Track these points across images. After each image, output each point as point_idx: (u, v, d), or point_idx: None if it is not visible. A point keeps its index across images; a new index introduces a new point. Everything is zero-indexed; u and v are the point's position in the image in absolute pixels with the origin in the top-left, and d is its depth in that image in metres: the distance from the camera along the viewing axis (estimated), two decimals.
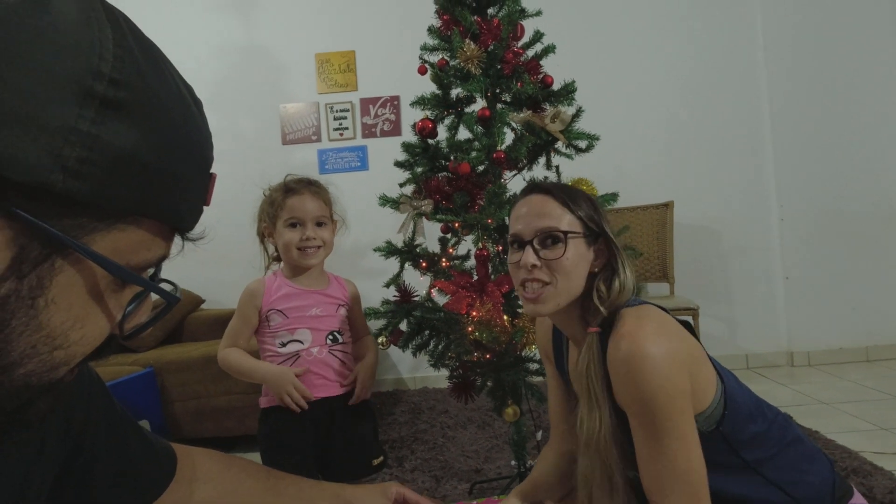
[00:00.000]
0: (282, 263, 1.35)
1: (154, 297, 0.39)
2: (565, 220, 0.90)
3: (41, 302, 0.31)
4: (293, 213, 1.26)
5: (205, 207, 0.42)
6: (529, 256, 0.89)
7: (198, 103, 0.39)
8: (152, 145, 0.33)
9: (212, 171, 0.41)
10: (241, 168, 3.19)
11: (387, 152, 2.90)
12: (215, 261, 3.15)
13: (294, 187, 1.29)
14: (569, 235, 0.89)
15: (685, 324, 0.90)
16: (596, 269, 0.92)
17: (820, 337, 2.95)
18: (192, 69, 3.17)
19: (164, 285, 0.39)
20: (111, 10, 0.33)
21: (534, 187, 0.96)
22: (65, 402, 0.49)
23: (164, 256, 0.38)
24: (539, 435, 1.69)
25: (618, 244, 0.92)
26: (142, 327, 0.40)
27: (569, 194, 0.92)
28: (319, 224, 1.28)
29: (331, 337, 1.29)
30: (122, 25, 0.33)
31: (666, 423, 0.78)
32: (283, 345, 1.26)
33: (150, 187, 0.34)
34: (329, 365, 1.27)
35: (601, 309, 0.88)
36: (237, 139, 3.21)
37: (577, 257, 0.89)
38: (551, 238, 0.89)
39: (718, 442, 0.86)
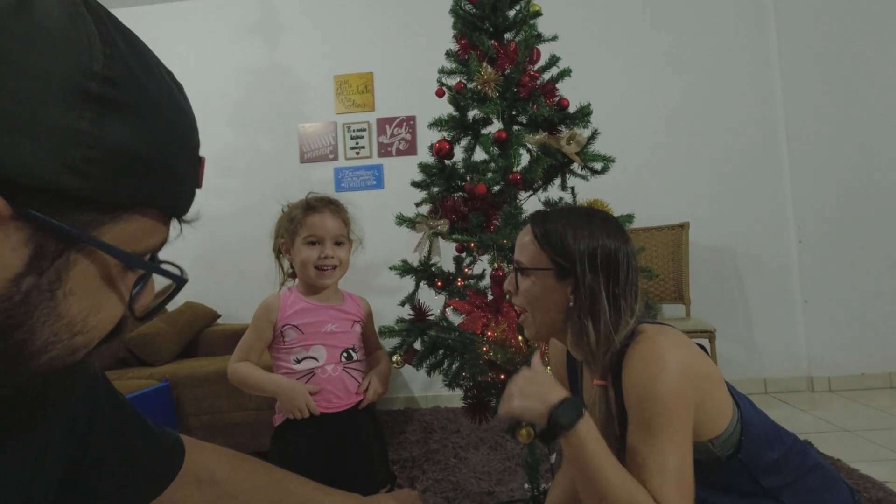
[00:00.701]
0: (297, 280, 1.35)
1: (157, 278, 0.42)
2: (528, 254, 0.92)
3: (60, 294, 0.33)
4: (313, 230, 1.26)
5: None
6: (507, 281, 0.97)
7: (180, 88, 0.40)
8: (149, 140, 0.35)
9: (201, 154, 0.43)
10: (260, 185, 3.25)
11: (402, 171, 2.95)
12: (232, 276, 3.20)
13: (315, 205, 1.30)
14: (527, 271, 0.92)
15: (700, 347, 0.91)
16: (571, 304, 0.89)
17: (841, 361, 2.89)
18: (217, 89, 3.27)
19: (170, 268, 0.41)
20: (92, 4, 0.34)
21: (531, 216, 0.99)
22: (70, 404, 0.50)
23: (165, 240, 0.41)
24: (553, 458, 1.67)
25: (602, 283, 0.86)
26: (154, 309, 0.43)
27: (547, 227, 0.91)
28: (338, 243, 1.29)
29: (345, 354, 1.29)
30: (105, 20, 0.34)
31: (665, 424, 0.77)
32: (298, 361, 1.26)
33: (150, 180, 0.36)
34: (343, 383, 1.27)
35: (591, 353, 0.87)
36: (256, 157, 3.27)
37: (537, 291, 0.91)
38: (517, 268, 0.95)
39: (736, 468, 0.85)
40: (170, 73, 0.40)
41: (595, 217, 0.93)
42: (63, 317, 0.34)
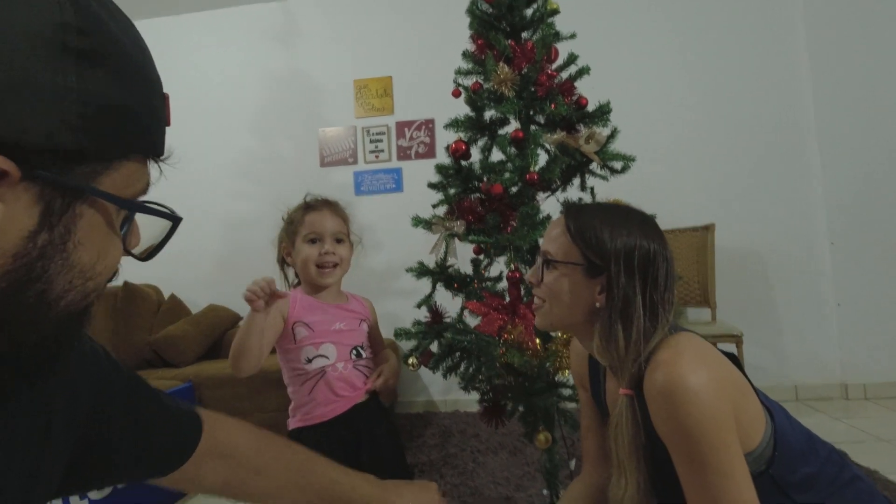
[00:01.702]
0: (300, 284, 1.36)
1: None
2: (561, 248, 0.89)
3: (70, 245, 0.35)
4: (312, 228, 1.28)
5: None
6: (531, 271, 0.95)
7: (132, 24, 0.41)
8: (128, 86, 0.36)
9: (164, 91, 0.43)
10: (280, 189, 3.29)
11: (421, 174, 2.94)
12: (253, 278, 3.24)
13: (313, 204, 1.32)
14: (556, 264, 0.89)
15: (730, 355, 0.85)
16: (597, 305, 0.86)
17: (876, 368, 2.77)
18: (240, 96, 3.33)
19: (160, 208, 0.43)
20: None
21: (565, 208, 0.95)
22: (69, 390, 0.51)
23: (149, 183, 0.42)
24: (573, 464, 1.63)
25: (638, 286, 0.82)
26: (156, 248, 0.45)
27: (584, 222, 0.87)
28: (338, 241, 1.30)
29: (355, 352, 1.30)
30: None
31: (710, 459, 0.72)
32: (309, 360, 1.26)
33: (134, 126, 0.37)
34: (354, 380, 1.28)
35: (619, 359, 0.83)
36: (277, 161, 3.32)
37: (563, 285, 0.88)
38: (545, 260, 0.91)
39: (767, 484, 0.80)
40: (118, 7, 0.40)
41: (633, 216, 0.89)
42: (75, 265, 0.36)
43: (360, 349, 1.31)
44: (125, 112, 0.36)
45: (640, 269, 0.83)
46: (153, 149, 0.41)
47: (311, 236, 1.28)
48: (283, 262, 1.36)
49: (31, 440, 0.45)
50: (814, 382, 2.84)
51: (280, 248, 1.35)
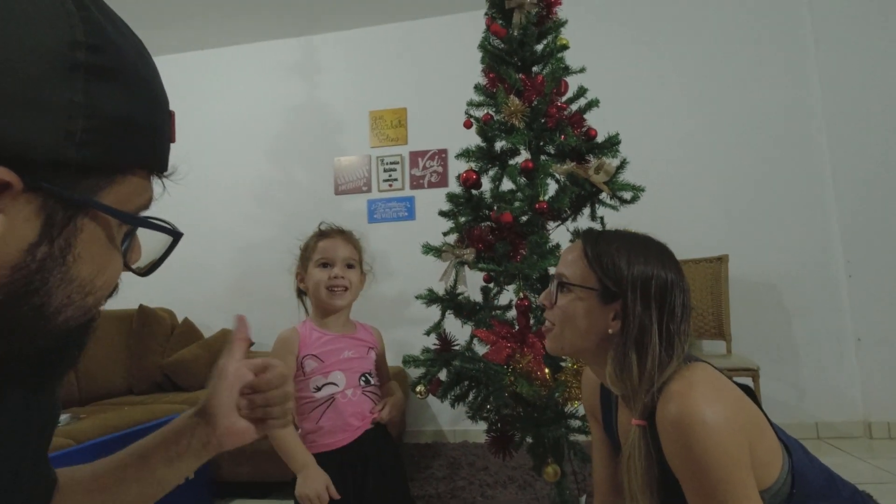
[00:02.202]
0: (311, 311, 1.38)
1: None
2: (576, 271, 0.89)
3: (70, 258, 0.35)
4: (324, 253, 1.32)
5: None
6: (543, 293, 0.94)
7: (141, 42, 0.41)
8: (135, 102, 0.36)
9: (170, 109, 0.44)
10: (295, 216, 3.35)
11: (434, 203, 2.98)
12: (266, 304, 3.27)
13: (326, 232, 1.37)
14: (570, 287, 0.88)
15: (745, 388, 0.84)
16: (610, 331, 0.85)
17: None
18: (260, 126, 3.45)
19: (161, 224, 0.43)
20: None
21: (584, 233, 0.96)
22: (47, 410, 0.50)
23: (151, 198, 0.42)
24: (583, 500, 1.59)
25: (654, 316, 0.82)
26: (157, 262, 0.44)
27: (602, 248, 0.88)
28: (349, 266, 1.33)
29: (363, 379, 1.31)
30: None
31: (723, 495, 0.70)
32: (318, 388, 1.26)
33: (139, 142, 0.37)
34: (364, 406, 1.28)
35: (632, 388, 0.82)
36: (293, 189, 3.39)
37: (576, 309, 0.87)
38: (558, 283, 0.91)
39: None
40: (127, 26, 0.40)
41: (652, 245, 0.89)
42: (74, 279, 0.36)
43: (368, 376, 1.32)
44: (130, 127, 0.36)
45: (656, 299, 0.83)
46: (157, 164, 0.41)
47: (323, 261, 1.31)
48: (300, 293, 1.39)
49: (23, 429, 0.45)
50: (835, 420, 2.75)
51: (295, 275, 1.39)
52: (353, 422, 1.26)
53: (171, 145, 0.43)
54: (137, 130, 0.37)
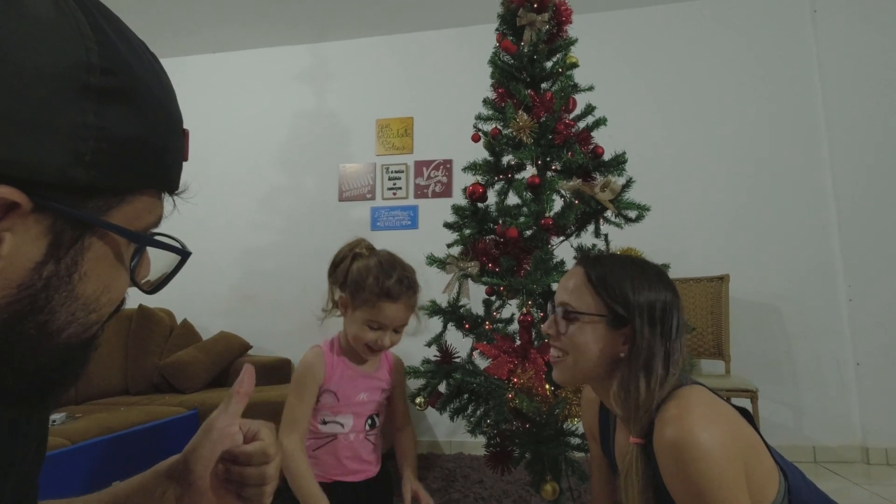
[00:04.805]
0: (341, 330, 1.29)
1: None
2: (583, 299, 0.88)
3: (76, 277, 0.35)
4: (380, 319, 1.18)
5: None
6: (547, 323, 0.93)
7: (157, 59, 0.41)
8: (147, 123, 0.36)
9: (184, 127, 0.43)
10: (299, 222, 3.36)
11: (437, 213, 2.99)
12: (266, 309, 3.27)
13: (394, 293, 1.17)
14: (578, 315, 0.88)
15: (743, 411, 0.84)
16: (621, 355, 0.86)
17: None
18: (268, 133, 3.47)
19: (171, 242, 0.42)
20: None
21: (581, 258, 0.95)
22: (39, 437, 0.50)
23: (161, 216, 0.42)
24: None
25: (658, 337, 0.84)
26: (164, 281, 0.44)
27: (606, 274, 0.88)
28: (396, 330, 1.23)
29: (369, 421, 1.27)
30: (88, 5, 0.34)
31: None
32: (324, 423, 1.23)
33: (150, 162, 0.37)
34: (362, 450, 1.25)
35: (636, 408, 0.82)
36: (298, 195, 3.40)
37: (587, 338, 0.87)
38: (564, 312, 0.90)
39: None
40: (145, 46, 0.40)
41: (649, 267, 0.91)
42: (79, 298, 0.36)
43: (375, 417, 1.28)
44: (142, 148, 0.36)
45: (660, 320, 0.84)
46: (169, 184, 0.41)
47: (374, 325, 1.19)
48: (332, 293, 1.27)
49: (23, 448, 0.45)
50: (833, 444, 2.74)
51: (333, 293, 1.25)
52: (349, 464, 1.23)
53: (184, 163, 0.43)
54: (149, 151, 0.37)
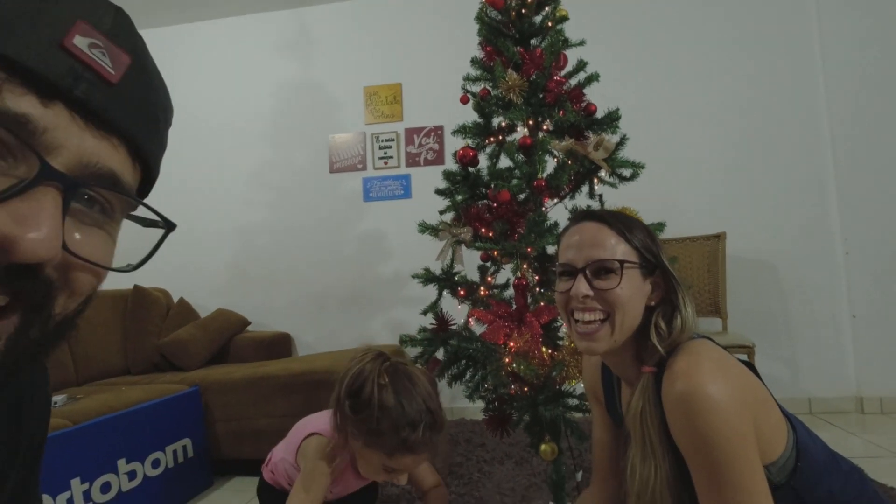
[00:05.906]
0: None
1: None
2: (620, 250, 0.86)
3: None
4: (399, 465, 1.11)
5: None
6: (581, 286, 0.85)
7: None
8: None
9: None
10: (291, 196, 3.31)
11: (430, 181, 2.93)
12: (263, 285, 3.26)
13: (415, 444, 1.07)
14: (624, 265, 0.84)
15: (748, 364, 0.84)
16: (652, 303, 0.88)
17: (893, 381, 2.70)
18: (253, 105, 3.38)
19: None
20: None
21: (587, 214, 0.92)
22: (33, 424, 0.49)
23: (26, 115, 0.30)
24: (579, 476, 1.61)
25: (677, 277, 0.88)
26: (146, 257, 0.38)
27: (624, 223, 0.88)
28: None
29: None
30: None
31: (729, 473, 0.71)
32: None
33: None
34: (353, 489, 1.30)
35: (659, 348, 0.83)
36: (289, 169, 3.34)
37: (632, 289, 0.85)
38: (605, 268, 0.85)
39: (789, 497, 0.78)
40: None
41: (640, 221, 0.94)
42: None
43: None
44: None
45: (670, 264, 0.90)
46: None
47: (390, 469, 1.12)
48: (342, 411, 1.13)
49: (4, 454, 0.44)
50: (828, 395, 2.78)
51: (338, 420, 1.13)
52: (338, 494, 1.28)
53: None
54: None
